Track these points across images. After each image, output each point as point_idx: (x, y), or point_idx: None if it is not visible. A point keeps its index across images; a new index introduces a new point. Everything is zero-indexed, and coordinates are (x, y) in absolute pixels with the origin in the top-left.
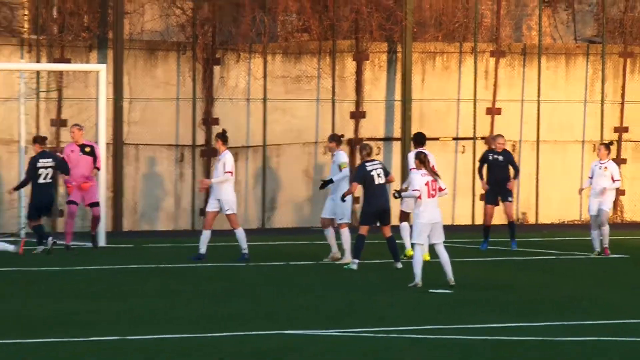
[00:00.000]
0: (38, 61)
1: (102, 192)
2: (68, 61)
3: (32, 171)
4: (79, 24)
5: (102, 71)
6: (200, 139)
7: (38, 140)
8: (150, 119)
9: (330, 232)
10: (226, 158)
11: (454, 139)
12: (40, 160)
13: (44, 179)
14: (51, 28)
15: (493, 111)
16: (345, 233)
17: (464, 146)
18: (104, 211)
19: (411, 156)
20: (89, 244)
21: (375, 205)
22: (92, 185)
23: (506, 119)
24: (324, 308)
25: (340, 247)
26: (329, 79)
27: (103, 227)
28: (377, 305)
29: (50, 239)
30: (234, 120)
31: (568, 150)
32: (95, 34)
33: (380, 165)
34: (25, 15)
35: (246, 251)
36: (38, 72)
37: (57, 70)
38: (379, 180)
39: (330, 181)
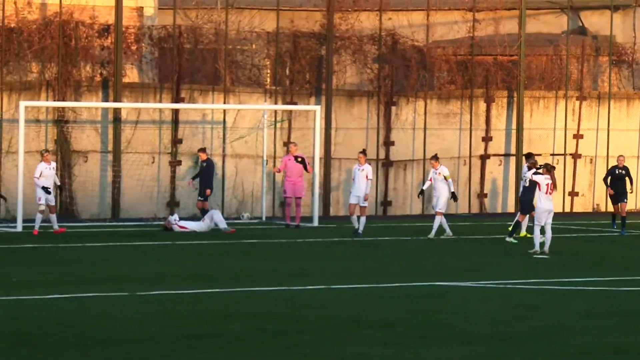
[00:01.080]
0: (276, 104)
1: (316, 190)
2: (295, 104)
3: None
4: (303, 79)
5: (318, 110)
6: (382, 155)
7: (202, 150)
8: (348, 141)
9: (442, 219)
10: (368, 169)
11: (551, 154)
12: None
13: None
14: (285, 81)
15: (577, 136)
16: (438, 218)
17: (557, 160)
18: (318, 203)
19: (525, 169)
20: (306, 224)
21: (521, 198)
22: (300, 184)
23: (586, 142)
24: (461, 265)
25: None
26: (468, 115)
27: (316, 213)
28: (499, 265)
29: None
30: (404, 142)
31: (627, 162)
32: (314, 85)
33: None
34: (268, 73)
35: (360, 231)
36: (275, 111)
37: (288, 109)
38: (524, 183)
39: (422, 191)
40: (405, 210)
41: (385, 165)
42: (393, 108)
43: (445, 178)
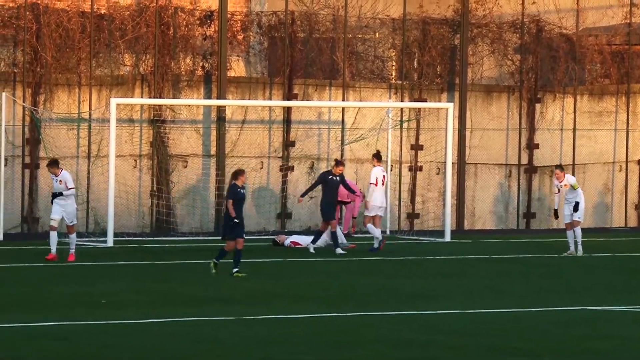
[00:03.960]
0: (402, 101)
1: (448, 201)
2: (424, 100)
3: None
4: (433, 72)
5: (450, 108)
6: (524, 160)
7: (341, 163)
8: (485, 144)
9: (571, 233)
10: (375, 171)
11: None
12: None
13: None
14: (412, 75)
15: None
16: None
17: None
18: (450, 216)
19: None
20: (436, 239)
21: None
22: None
23: None
24: (616, 287)
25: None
26: (624, 113)
27: (449, 227)
28: None
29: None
30: (550, 145)
31: None
32: (446, 80)
33: None
34: (393, 65)
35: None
36: (402, 109)
37: (416, 107)
38: None
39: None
40: (552, 224)
41: (528, 171)
42: (537, 105)
43: (573, 187)
